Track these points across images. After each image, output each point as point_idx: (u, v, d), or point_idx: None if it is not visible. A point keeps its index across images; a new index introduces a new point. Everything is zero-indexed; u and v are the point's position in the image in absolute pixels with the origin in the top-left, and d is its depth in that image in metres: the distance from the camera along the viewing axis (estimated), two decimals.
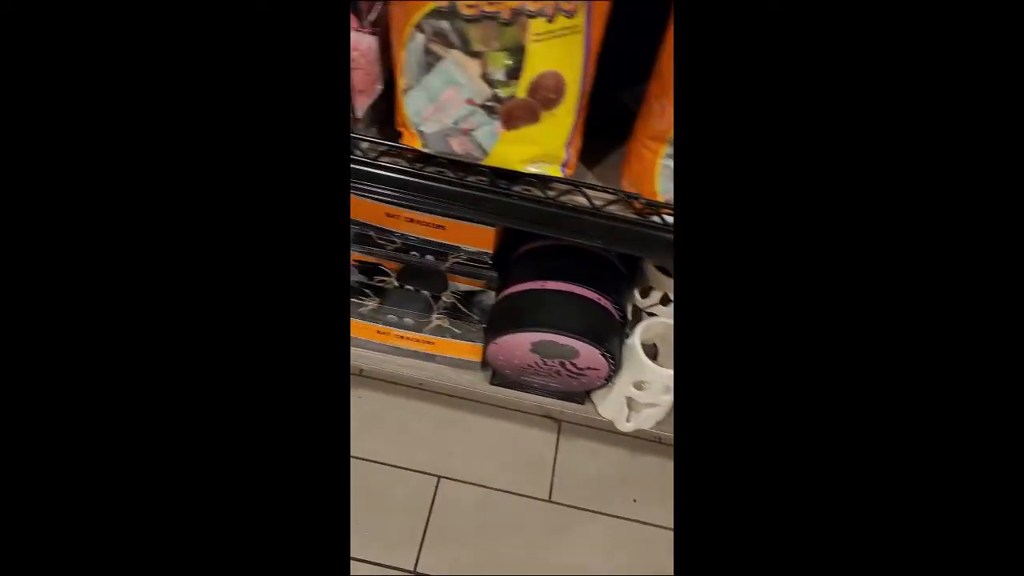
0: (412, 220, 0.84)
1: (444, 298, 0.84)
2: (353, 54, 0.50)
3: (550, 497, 0.98)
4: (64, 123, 0.28)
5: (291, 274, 0.30)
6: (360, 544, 0.90)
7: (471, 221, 0.78)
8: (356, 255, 0.88)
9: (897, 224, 0.28)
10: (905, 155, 0.28)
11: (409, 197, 0.60)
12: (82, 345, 0.28)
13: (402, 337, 0.85)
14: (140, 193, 0.29)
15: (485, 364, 0.91)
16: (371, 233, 0.87)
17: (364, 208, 0.84)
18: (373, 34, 0.53)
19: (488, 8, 0.42)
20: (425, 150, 0.54)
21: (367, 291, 0.83)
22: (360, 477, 0.96)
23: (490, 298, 0.87)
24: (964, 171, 0.28)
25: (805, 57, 0.28)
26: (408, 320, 0.82)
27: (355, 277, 0.86)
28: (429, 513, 0.94)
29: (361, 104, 0.54)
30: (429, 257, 0.88)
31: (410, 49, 0.47)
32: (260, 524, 0.30)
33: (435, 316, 0.82)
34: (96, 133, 0.28)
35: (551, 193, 0.57)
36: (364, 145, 0.58)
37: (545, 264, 0.80)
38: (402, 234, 0.87)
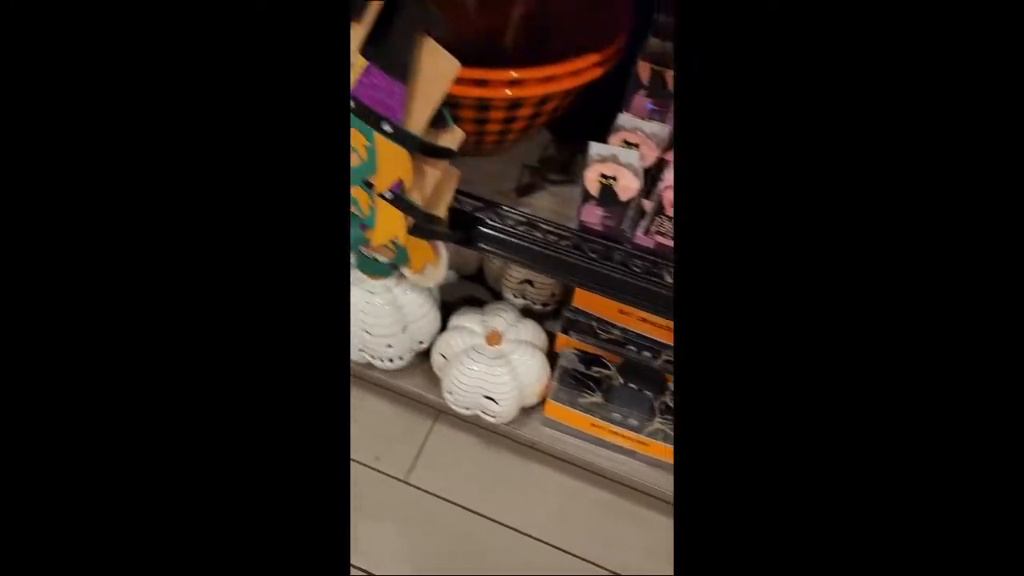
0: (645, 320, 0.84)
1: (667, 400, 0.83)
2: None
3: None
4: (63, 122, 0.28)
5: (287, 291, 0.30)
6: None
7: None
8: (576, 343, 0.89)
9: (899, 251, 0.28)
10: (906, 173, 0.27)
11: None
12: (81, 348, 0.28)
13: (615, 433, 0.84)
14: (138, 198, 0.29)
15: None
16: (593, 323, 0.88)
17: (596, 301, 0.86)
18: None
19: None
20: None
21: (590, 384, 0.84)
22: (534, 557, 0.95)
23: None
24: (964, 177, 0.27)
25: (807, 60, 0.28)
26: (632, 421, 0.82)
27: (574, 365, 0.87)
28: None
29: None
30: (646, 353, 0.88)
31: None
32: (258, 527, 0.29)
33: (658, 420, 0.81)
34: (95, 136, 0.28)
35: None
36: (619, 255, 0.61)
37: None
38: (623, 328, 0.88)
